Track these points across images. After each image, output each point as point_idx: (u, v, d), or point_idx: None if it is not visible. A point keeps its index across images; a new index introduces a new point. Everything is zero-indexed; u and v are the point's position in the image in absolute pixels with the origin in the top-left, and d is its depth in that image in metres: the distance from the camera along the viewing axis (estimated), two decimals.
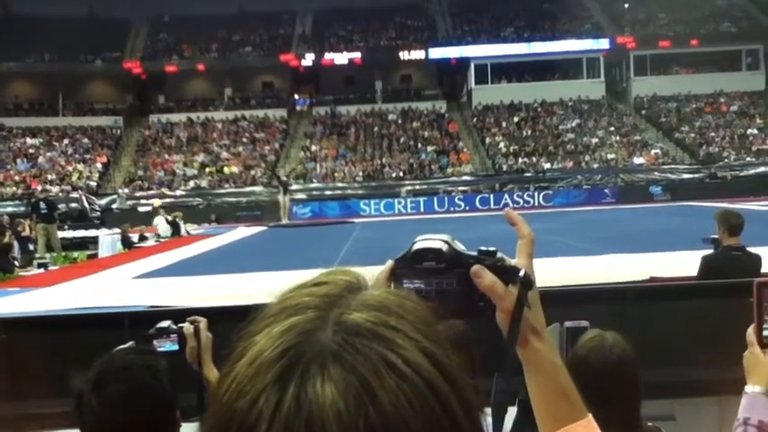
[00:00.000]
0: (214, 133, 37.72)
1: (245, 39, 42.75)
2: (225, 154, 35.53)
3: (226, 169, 33.87)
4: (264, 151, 35.83)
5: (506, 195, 29.95)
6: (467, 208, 28.80)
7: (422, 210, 28.89)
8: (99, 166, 34.66)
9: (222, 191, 31.85)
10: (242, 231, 20.68)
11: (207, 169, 33.95)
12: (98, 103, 40.50)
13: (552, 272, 8.01)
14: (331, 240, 15.37)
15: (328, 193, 31.55)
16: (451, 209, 28.87)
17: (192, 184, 32.65)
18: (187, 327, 2.18)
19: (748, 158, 32.16)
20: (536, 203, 28.97)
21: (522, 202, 29.33)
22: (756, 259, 4.61)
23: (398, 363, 0.49)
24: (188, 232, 20.99)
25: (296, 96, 41.88)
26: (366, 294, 0.55)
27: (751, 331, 2.04)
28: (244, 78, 41.81)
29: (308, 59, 40.84)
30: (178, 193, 31.45)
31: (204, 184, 32.67)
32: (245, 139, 37.08)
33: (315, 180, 32.83)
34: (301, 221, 25.76)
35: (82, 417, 1.48)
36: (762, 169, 30.76)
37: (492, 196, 29.96)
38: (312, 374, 0.48)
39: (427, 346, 0.51)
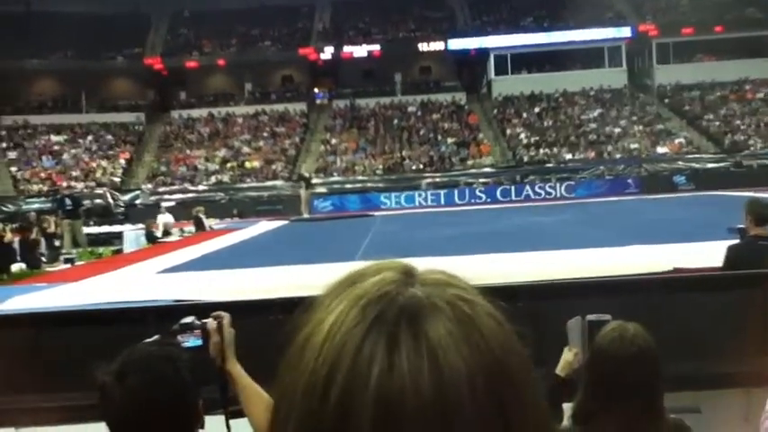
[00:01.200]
0: (235, 128, 37.94)
1: (265, 33, 42.86)
2: (246, 149, 35.74)
3: (247, 164, 34.07)
4: (285, 145, 35.97)
5: (528, 187, 29.75)
6: (487, 200, 28.66)
7: (442, 202, 28.81)
8: (122, 162, 35.06)
9: (244, 185, 32.06)
10: (264, 225, 20.80)
11: (228, 164, 34.18)
12: (120, 100, 40.93)
13: (575, 263, 7.97)
14: (352, 234, 15.41)
15: (348, 186, 31.59)
16: (472, 201, 28.74)
17: (213, 179, 32.91)
18: (210, 322, 2.21)
19: None
20: (558, 195, 28.74)
21: (543, 193, 29.13)
22: None
23: (491, 311, 0.52)
24: (210, 227, 21.16)
25: (315, 90, 41.93)
26: (429, 268, 0.56)
27: None
28: (263, 73, 41.95)
29: (327, 53, 40.83)
30: (200, 188, 31.72)
31: (226, 178, 32.91)
32: (265, 134, 37.25)
33: (335, 174, 32.89)
34: (322, 215, 25.84)
35: (105, 408, 1.51)
36: None
37: (513, 188, 29.79)
38: (420, 318, 0.48)
39: (493, 303, 0.54)
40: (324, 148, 35.52)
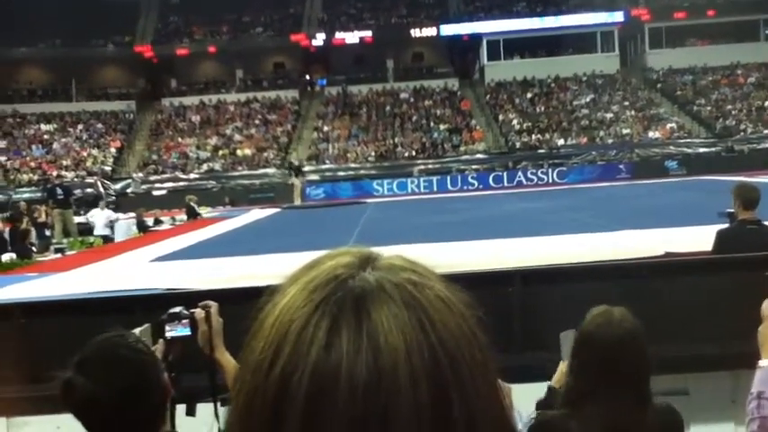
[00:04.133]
0: (226, 116, 37.75)
1: (256, 19, 42.56)
2: (238, 136, 35.59)
3: (239, 152, 33.94)
4: (277, 133, 35.84)
5: (520, 173, 29.79)
6: (480, 186, 28.67)
7: (435, 189, 28.81)
8: (113, 150, 34.87)
9: (235, 173, 31.96)
10: (256, 213, 20.76)
11: (220, 152, 34.04)
12: (111, 88, 40.62)
13: (568, 249, 7.99)
14: (344, 221, 15.40)
15: (341, 173, 31.55)
16: (465, 188, 28.75)
17: (205, 167, 32.79)
18: (198, 312, 2.22)
19: (766, 131, 31.69)
20: (550, 180, 28.78)
21: (535, 179, 29.16)
22: None
23: (444, 296, 0.52)
24: (201, 215, 21.10)
25: (307, 77, 41.72)
26: (389, 254, 0.57)
27: (766, 305, 2.03)
28: (255, 60, 41.69)
29: (319, 39, 40.61)
30: (192, 176, 31.60)
31: (217, 166, 32.79)
32: (257, 121, 37.09)
33: (327, 161, 32.82)
34: (314, 202, 25.81)
35: (68, 399, 1.53)
36: None
37: (506, 174, 29.82)
38: (367, 300, 0.49)
39: (450, 289, 0.55)
40: (316, 136, 35.41)
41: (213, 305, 2.24)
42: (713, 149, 30.61)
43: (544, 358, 2.67)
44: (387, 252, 0.56)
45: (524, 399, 2.11)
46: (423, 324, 0.49)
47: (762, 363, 1.92)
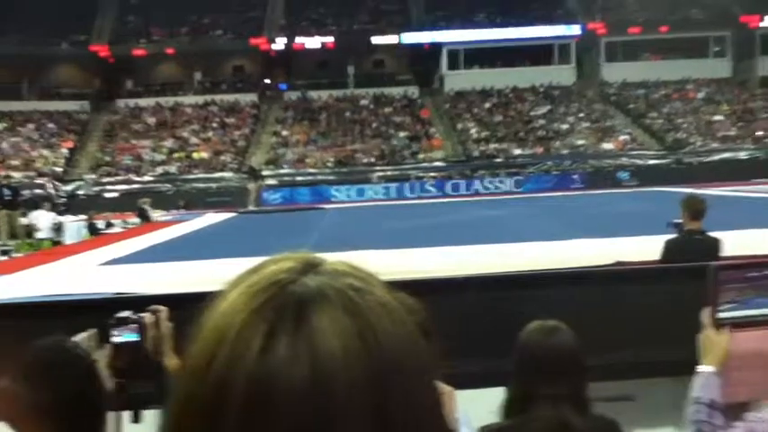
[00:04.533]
0: (183, 118, 37.21)
1: (216, 22, 42.11)
2: (194, 139, 35.10)
3: (195, 155, 33.47)
4: (235, 136, 35.48)
5: (477, 181, 30.11)
6: (438, 194, 28.89)
7: (393, 196, 28.92)
8: (65, 151, 33.98)
9: (191, 177, 31.50)
10: (211, 217, 20.49)
11: (176, 155, 33.51)
12: (64, 88, 39.61)
13: (522, 256, 8.11)
14: (301, 226, 15.32)
15: (299, 178, 31.38)
16: (423, 195, 28.93)
17: (160, 169, 32.23)
18: (148, 316, 2.18)
19: (714, 144, 32.73)
20: (507, 189, 29.17)
21: (492, 187, 29.52)
22: (716, 243, 4.70)
23: (386, 302, 0.52)
24: (155, 218, 20.74)
25: (267, 81, 41.45)
26: (333, 260, 0.56)
27: (706, 313, 2.09)
28: (214, 62, 41.23)
29: (280, 43, 40.40)
30: (146, 179, 31.03)
31: (173, 169, 32.27)
32: (215, 124, 36.65)
33: (286, 166, 32.61)
34: (272, 207, 25.61)
35: (8, 409, 1.49)
36: (726, 155, 31.34)
37: (463, 182, 30.11)
38: (306, 305, 0.49)
39: (392, 295, 0.55)
40: (275, 140, 35.18)
41: (163, 310, 2.20)
42: (664, 161, 31.45)
43: (501, 363, 2.69)
44: (332, 258, 0.56)
45: (482, 404, 2.13)
46: (362, 330, 0.49)
47: (701, 368, 1.98)
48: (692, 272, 3.35)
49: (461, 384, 3.16)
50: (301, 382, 0.46)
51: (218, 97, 38.97)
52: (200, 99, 38.80)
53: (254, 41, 40.40)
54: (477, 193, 28.73)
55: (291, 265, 0.53)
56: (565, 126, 35.37)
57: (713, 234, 4.84)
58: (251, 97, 39.25)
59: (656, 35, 40.08)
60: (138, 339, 2.17)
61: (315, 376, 0.47)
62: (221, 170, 31.93)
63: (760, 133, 33.49)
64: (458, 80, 39.60)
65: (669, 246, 4.86)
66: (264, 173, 31.60)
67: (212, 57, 40.63)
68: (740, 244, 6.99)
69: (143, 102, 38.43)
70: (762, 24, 39.95)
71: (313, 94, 39.18)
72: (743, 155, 31.34)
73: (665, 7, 41.07)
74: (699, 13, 41.43)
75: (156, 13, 40.88)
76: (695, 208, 4.80)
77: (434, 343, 1.87)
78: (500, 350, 2.22)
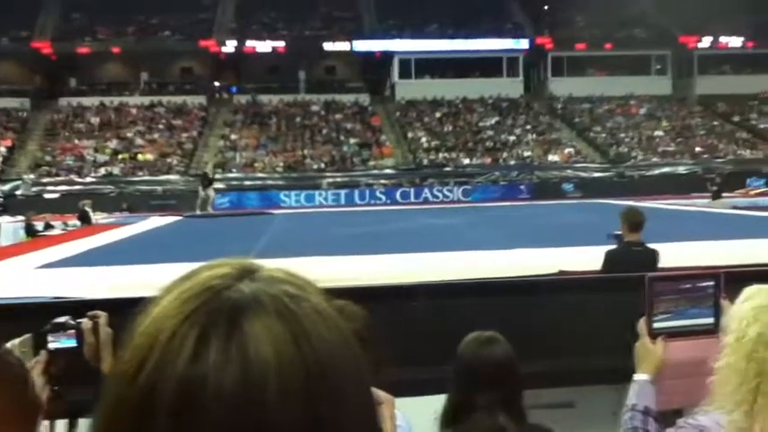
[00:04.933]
0: (128, 119, 36.36)
1: (164, 22, 41.34)
2: (139, 140, 34.33)
3: (140, 156, 32.73)
4: (182, 139, 34.86)
5: (427, 189, 30.34)
6: (388, 201, 28.98)
7: (343, 202, 28.87)
8: (3, 149, 32.75)
9: (135, 179, 30.77)
10: (155, 221, 20.05)
11: (120, 156, 32.70)
12: (3, 84, 38.19)
13: (467, 265, 8.20)
14: (249, 231, 15.14)
15: (248, 183, 31.02)
16: (372, 202, 28.98)
17: (102, 171, 31.38)
18: (86, 322, 2.12)
19: (654, 159, 33.87)
20: (455, 198, 29.49)
21: (441, 196, 29.79)
22: (654, 254, 4.86)
23: (322, 309, 0.52)
24: (96, 221, 20.18)
25: (216, 83, 40.91)
26: (274, 266, 0.56)
27: (642, 323, 2.16)
28: (161, 63, 40.46)
29: (230, 46, 39.95)
30: (88, 180, 30.17)
31: (116, 171, 31.46)
32: (161, 126, 35.94)
33: (234, 170, 32.21)
34: (218, 212, 25.23)
35: None
36: (666, 170, 32.47)
37: (413, 190, 30.29)
38: (240, 312, 0.48)
39: (329, 302, 0.55)
40: (223, 144, 34.71)
41: (102, 315, 2.14)
42: (607, 174, 32.35)
43: (446, 371, 2.71)
44: (272, 264, 0.56)
45: (426, 411, 2.15)
46: (296, 336, 0.49)
47: (636, 377, 2.04)
48: (631, 282, 3.46)
49: (406, 392, 3.18)
50: (232, 387, 0.46)
51: (165, 98, 38.25)
52: (146, 100, 38.01)
53: (203, 43, 39.84)
54: (426, 202, 28.95)
55: (227, 271, 0.52)
56: (512, 138, 36.02)
57: (652, 246, 5.00)
58: (199, 99, 38.66)
59: (601, 52, 41.32)
60: (76, 345, 2.11)
61: (246, 382, 0.46)
62: (167, 173, 31.31)
63: (698, 149, 34.83)
64: (409, 89, 39.91)
65: (609, 256, 5.01)
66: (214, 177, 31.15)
67: (160, 57, 39.88)
68: (677, 256, 7.24)
69: (87, 101, 37.39)
70: (699, 45, 41.65)
71: (263, 98, 38.86)
72: (682, 170, 32.53)
73: (610, 25, 42.38)
74: (641, 33, 42.89)
75: (102, 12, 39.85)
76: (634, 220, 4.95)
77: (376, 350, 1.88)
78: (444, 358, 2.25)
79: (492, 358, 1.97)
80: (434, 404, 2.26)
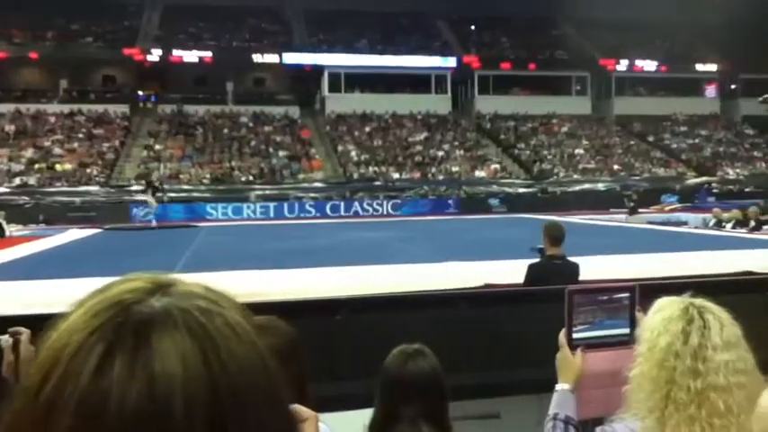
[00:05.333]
0: (46, 127, 34.84)
1: (86, 29, 39.99)
2: (58, 150, 32.93)
3: (58, 166, 31.38)
4: (103, 149, 33.66)
5: (356, 203, 30.38)
6: (317, 215, 28.85)
7: (272, 215, 28.53)
8: None
9: (53, 189, 29.45)
10: (74, 234, 19.25)
11: (36, 165, 31.25)
12: None
13: (396, 278, 8.23)
14: (173, 245, 14.73)
15: (172, 195, 30.20)
16: (302, 215, 28.78)
17: (17, 180, 29.90)
18: (6, 339, 2.02)
19: (575, 176, 35.11)
20: (385, 212, 29.64)
21: (371, 210, 29.88)
22: (575, 267, 5.00)
23: (236, 324, 0.51)
24: (10, 233, 19.19)
25: (140, 92, 39.81)
26: (191, 281, 0.56)
27: (562, 335, 2.22)
28: (82, 70, 39.06)
29: (155, 55, 39.00)
30: (1, 190, 28.67)
31: (32, 181, 30.03)
32: (81, 135, 34.60)
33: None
34: (141, 224, 24.47)
35: None
36: (586, 186, 33.70)
37: (342, 204, 30.27)
38: (148, 327, 0.48)
39: (248, 320, 0.54)
40: (146, 154, 33.72)
41: (25, 332, 2.04)
42: (531, 190, 33.29)
43: (371, 385, 2.70)
44: (189, 278, 0.55)
45: (355, 426, 2.15)
46: (205, 352, 0.48)
47: (558, 387, 2.09)
48: (552, 294, 3.56)
49: (334, 407, 3.15)
50: (135, 403, 0.45)
51: (85, 107, 36.91)
52: (65, 108, 36.56)
53: (127, 51, 38.75)
54: (356, 215, 28.97)
55: (140, 286, 0.52)
56: (441, 153, 36.59)
57: (573, 259, 5.15)
58: (122, 108, 37.47)
59: (525, 72, 42.69)
60: None
61: (150, 398, 0.45)
62: (87, 183, 30.13)
63: (616, 167, 36.35)
64: (339, 103, 40.00)
65: (532, 269, 5.13)
66: (136, 188, 30.21)
67: (81, 64, 38.51)
68: (597, 269, 7.51)
69: (1, 107, 35.62)
70: (617, 68, 43.63)
71: (189, 108, 38.06)
72: (601, 186, 33.83)
73: (533, 47, 43.89)
74: (563, 54, 44.58)
75: (19, 15, 38.18)
76: (555, 234, 5.09)
77: (300, 366, 1.84)
78: (371, 372, 2.24)
79: (417, 370, 1.98)
80: (362, 418, 2.25)
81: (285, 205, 29.55)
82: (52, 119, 35.53)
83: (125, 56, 38.72)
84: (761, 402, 0.94)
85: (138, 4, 42.02)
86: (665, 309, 1.56)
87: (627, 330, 2.28)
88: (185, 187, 30.92)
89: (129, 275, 0.55)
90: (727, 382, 1.44)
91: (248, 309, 0.57)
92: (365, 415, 2.28)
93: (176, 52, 39.23)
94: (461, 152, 36.98)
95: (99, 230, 20.67)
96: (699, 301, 1.56)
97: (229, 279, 7.70)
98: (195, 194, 30.26)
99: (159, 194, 23.75)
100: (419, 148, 37.05)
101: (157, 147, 34.39)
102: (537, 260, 5.24)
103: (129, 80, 40.42)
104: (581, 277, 5.04)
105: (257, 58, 40.47)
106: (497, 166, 35.82)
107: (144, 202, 22.74)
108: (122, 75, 40.61)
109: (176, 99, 38.55)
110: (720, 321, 1.51)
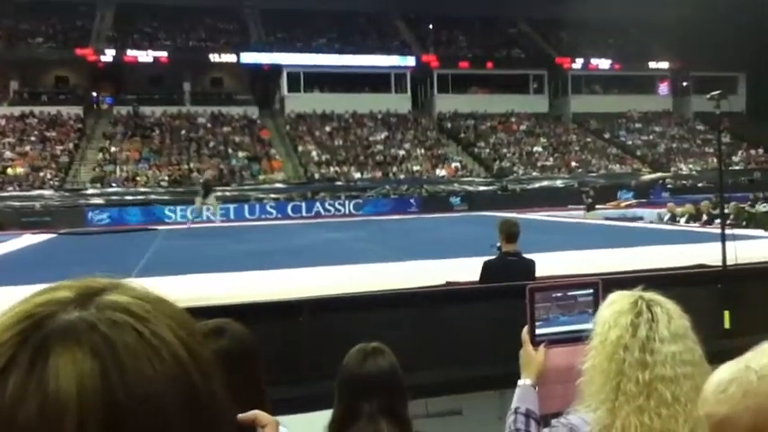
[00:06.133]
0: None
1: (36, 29, 38.94)
2: (9, 153, 32.00)
3: (9, 170, 30.50)
4: (56, 152, 32.83)
5: (318, 203, 30.25)
6: (278, 216, 28.63)
7: (232, 217, 28.19)
8: None
9: (5, 194, 28.61)
10: (27, 239, 18.73)
11: None
12: None
13: (359, 278, 8.21)
14: (130, 249, 14.45)
15: (129, 198, 29.64)
16: (263, 216, 28.52)
17: None
18: None
19: (534, 173, 35.60)
20: (347, 212, 29.58)
21: (333, 210, 29.80)
22: (530, 264, 5.06)
23: (154, 335, 0.49)
24: None
25: (94, 94, 38.94)
26: (132, 289, 0.53)
27: (525, 331, 2.25)
28: (34, 71, 38.03)
29: (109, 55, 38.20)
30: None
31: None
32: (33, 138, 33.68)
33: (114, 184, 30.70)
34: (97, 228, 23.94)
35: None
36: (545, 183, 34.21)
37: (304, 204, 30.11)
38: (51, 343, 0.46)
39: (177, 329, 0.51)
40: (102, 157, 33.01)
41: None
42: (491, 188, 33.64)
43: (333, 386, 2.68)
44: (141, 283, 0.54)
45: (316, 427, 2.14)
46: (106, 369, 0.46)
47: (520, 382, 2.11)
48: (513, 290, 3.60)
49: (296, 408, 3.12)
50: (26, 422, 0.43)
51: (37, 109, 35.94)
52: (16, 110, 35.54)
53: (79, 52, 37.86)
54: (317, 216, 28.83)
55: (61, 297, 0.50)
56: (401, 152, 36.70)
57: (531, 255, 5.21)
58: (75, 110, 36.60)
59: (484, 71, 43.09)
60: None
61: (42, 417, 0.44)
62: (40, 187, 29.35)
63: (573, 164, 36.97)
64: (298, 103, 39.78)
65: (487, 266, 5.17)
66: (90, 192, 29.55)
67: (31, 65, 37.52)
68: (556, 265, 7.61)
69: None
70: (573, 66, 44.38)
71: (146, 109, 37.40)
72: (559, 183, 34.38)
73: (491, 46, 44.34)
74: (520, 53, 45.15)
75: None
76: (509, 231, 5.15)
77: (254, 370, 1.81)
78: (333, 372, 2.23)
79: (376, 368, 2.00)
80: (325, 420, 2.24)
81: (246, 207, 29.25)
82: (2, 121, 34.52)
83: (78, 56, 37.83)
84: (706, 387, 0.97)
85: (90, 4, 41.11)
86: (615, 303, 1.61)
87: (590, 326, 2.32)
88: (142, 190, 30.38)
89: (58, 284, 0.53)
90: (674, 373, 1.50)
91: (192, 314, 0.55)
92: (327, 416, 2.28)
93: (131, 52, 38.50)
94: (422, 151, 37.14)
95: (54, 235, 20.15)
96: (648, 295, 1.61)
97: (188, 283, 7.59)
98: (153, 197, 29.73)
99: (211, 195, 23.29)
100: (380, 147, 37.09)
101: (113, 149, 33.71)
102: (492, 257, 5.28)
103: (82, 81, 39.52)
104: (539, 273, 5.10)
105: (214, 57, 39.98)
106: (458, 164, 36.09)
107: (203, 206, 22.44)
108: (75, 76, 39.69)
109: (132, 100, 37.84)
110: (668, 314, 1.56)
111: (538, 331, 2.28)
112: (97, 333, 0.48)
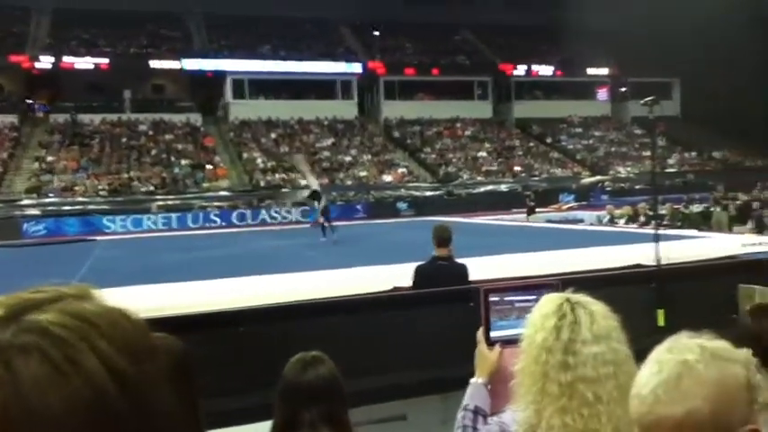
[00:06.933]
0: None
1: None
2: None
3: None
4: None
5: (264, 211, 29.92)
6: (223, 224, 28.19)
7: (175, 226, 27.63)
8: None
9: None
10: None
11: None
12: None
13: (305, 286, 8.14)
14: (67, 261, 13.98)
15: (66, 208, 28.68)
16: (207, 225, 28.03)
17: None
18: None
19: (479, 178, 36.09)
20: (293, 219, 29.35)
21: (279, 217, 29.52)
22: (461, 268, 5.08)
23: (59, 362, 0.47)
24: None
25: (29, 101, 37.61)
26: (73, 303, 0.50)
27: (480, 332, 2.28)
28: None
29: (45, 62, 36.98)
30: None
31: None
32: None
33: (51, 194, 29.68)
34: (32, 240, 23.10)
35: None
36: (490, 188, 34.71)
37: (249, 212, 29.74)
38: None
39: (106, 349, 0.49)
40: (38, 166, 31.88)
41: None
42: (437, 193, 33.92)
43: (273, 396, 2.63)
44: (80, 294, 0.51)
45: None
46: (4, 400, 0.44)
47: (472, 380, 2.15)
48: (454, 295, 3.61)
49: (237, 420, 3.04)
50: None
51: None
52: None
53: (14, 58, 36.55)
54: (263, 224, 28.51)
55: None
56: (348, 158, 36.67)
57: (469, 259, 5.24)
58: (10, 119, 35.27)
59: (429, 77, 43.50)
60: None
61: None
62: None
63: (517, 168, 37.63)
64: (243, 109, 39.33)
65: (418, 271, 5.18)
66: (26, 202, 28.51)
67: None
68: (497, 268, 7.71)
69: None
70: (515, 72, 45.27)
71: (84, 117, 36.33)
72: (503, 187, 34.94)
73: (436, 52, 44.81)
74: (464, 60, 45.77)
75: None
76: (441, 236, 5.17)
77: (190, 386, 1.74)
78: (274, 382, 2.19)
79: (315, 377, 2.01)
80: (265, 430, 2.21)
81: (189, 215, 28.71)
82: None
83: (12, 63, 36.50)
84: (640, 390, 0.98)
85: (24, 9, 39.74)
86: (544, 305, 1.64)
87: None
88: (80, 199, 29.46)
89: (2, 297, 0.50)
90: (596, 374, 1.53)
91: (131, 332, 0.52)
92: (267, 427, 2.23)
93: (68, 59, 37.37)
94: (369, 157, 37.20)
95: None
96: (575, 297, 1.64)
97: (126, 295, 7.37)
98: (91, 207, 28.86)
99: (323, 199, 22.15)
100: (327, 153, 36.98)
101: (50, 158, 32.61)
102: (423, 262, 5.30)
103: (17, 89, 38.16)
104: (482, 276, 5.13)
105: (156, 64, 39.18)
106: (404, 170, 36.28)
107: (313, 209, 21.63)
108: (10, 83, 38.29)
109: (69, 108, 36.69)
110: (592, 316, 1.59)
111: (492, 332, 2.29)
112: (0, 362, 0.46)
